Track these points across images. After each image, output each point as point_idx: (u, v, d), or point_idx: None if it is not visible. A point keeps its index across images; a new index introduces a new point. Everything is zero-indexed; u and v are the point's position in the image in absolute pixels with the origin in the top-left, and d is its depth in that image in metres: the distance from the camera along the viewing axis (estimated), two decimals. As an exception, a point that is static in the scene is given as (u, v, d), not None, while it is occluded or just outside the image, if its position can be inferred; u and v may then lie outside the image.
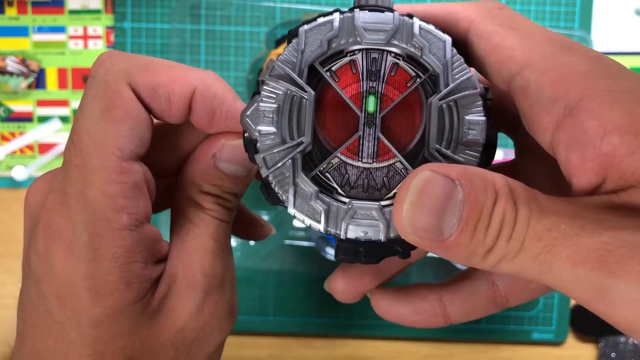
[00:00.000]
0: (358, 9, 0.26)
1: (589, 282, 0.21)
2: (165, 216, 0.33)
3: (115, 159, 0.26)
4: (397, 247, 0.27)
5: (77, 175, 0.27)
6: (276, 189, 0.26)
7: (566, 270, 0.21)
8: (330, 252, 0.56)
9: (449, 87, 0.26)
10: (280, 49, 0.54)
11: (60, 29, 0.57)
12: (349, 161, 0.26)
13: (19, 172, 0.57)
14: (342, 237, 0.26)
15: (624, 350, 0.55)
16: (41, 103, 0.58)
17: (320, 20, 0.26)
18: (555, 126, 0.23)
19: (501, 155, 0.54)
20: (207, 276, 0.29)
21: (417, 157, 0.26)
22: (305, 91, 0.26)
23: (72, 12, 0.57)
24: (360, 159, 0.26)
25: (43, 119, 0.58)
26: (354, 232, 0.26)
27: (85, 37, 0.57)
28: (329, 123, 0.26)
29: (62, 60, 0.58)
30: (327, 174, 0.26)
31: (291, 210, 0.26)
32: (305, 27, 0.26)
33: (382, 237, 0.26)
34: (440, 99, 0.26)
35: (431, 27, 0.26)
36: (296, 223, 0.56)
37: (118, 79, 0.27)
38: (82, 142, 0.27)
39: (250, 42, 0.56)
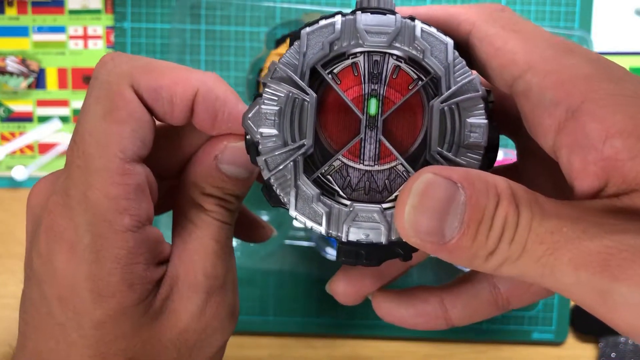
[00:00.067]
0: (360, 12, 0.26)
1: (591, 286, 0.21)
2: (166, 218, 0.33)
3: (117, 160, 0.26)
4: (398, 249, 0.27)
5: (80, 177, 0.27)
6: (278, 192, 0.26)
7: (568, 274, 0.21)
8: (330, 252, 0.56)
9: (450, 90, 0.26)
10: (280, 49, 0.54)
11: (60, 29, 0.57)
12: (351, 164, 0.26)
13: (19, 172, 0.57)
14: (344, 239, 0.26)
15: (624, 350, 0.55)
16: (41, 103, 0.58)
17: (322, 22, 0.26)
18: (557, 129, 0.23)
19: (501, 155, 0.54)
20: (209, 277, 0.29)
21: (418, 159, 0.26)
22: (307, 94, 0.26)
23: (72, 12, 0.57)
24: (361, 161, 0.26)
25: (43, 119, 0.58)
26: (355, 234, 0.26)
27: (85, 37, 0.57)
28: (330, 125, 0.26)
29: (62, 60, 0.58)
30: (328, 177, 0.26)
31: (292, 213, 0.26)
32: (307, 29, 0.26)
33: (383, 239, 0.26)
34: (442, 102, 0.26)
35: (433, 30, 0.26)
36: (296, 223, 0.56)
37: (120, 81, 0.27)
38: (85, 143, 0.27)
39: (250, 42, 0.56)
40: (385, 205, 0.26)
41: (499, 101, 0.29)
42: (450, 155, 0.26)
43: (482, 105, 0.26)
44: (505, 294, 0.31)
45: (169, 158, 0.31)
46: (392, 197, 0.26)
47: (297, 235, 0.56)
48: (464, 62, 0.26)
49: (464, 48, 0.27)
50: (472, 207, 0.22)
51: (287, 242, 0.56)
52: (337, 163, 0.26)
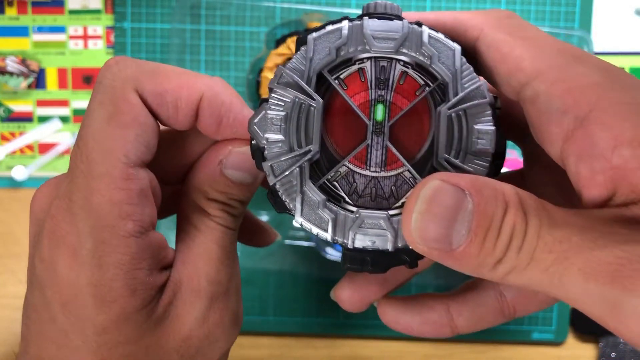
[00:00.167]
0: (367, 17, 0.26)
1: (601, 296, 0.20)
2: (168, 222, 0.33)
3: (121, 165, 0.26)
4: (404, 256, 0.26)
5: (83, 181, 0.26)
6: (283, 197, 0.26)
7: (577, 284, 0.21)
8: (330, 252, 0.56)
9: (458, 96, 0.25)
10: (280, 49, 0.54)
11: (60, 29, 0.57)
12: (357, 170, 0.26)
13: (19, 172, 0.57)
14: (350, 246, 0.26)
15: (624, 350, 0.55)
16: (41, 103, 0.58)
17: (329, 28, 0.26)
18: (565, 137, 0.23)
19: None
20: (212, 283, 0.29)
21: (425, 166, 0.26)
22: (314, 99, 0.26)
23: (72, 12, 0.57)
24: (368, 167, 0.26)
25: (43, 119, 0.58)
26: (361, 241, 0.26)
27: (85, 37, 0.57)
28: (337, 131, 0.26)
29: (62, 60, 0.57)
30: (334, 183, 0.26)
31: (298, 219, 0.26)
32: (314, 34, 0.26)
33: (389, 246, 0.25)
34: (450, 108, 0.25)
35: (440, 36, 0.26)
36: (296, 223, 0.56)
37: (125, 85, 0.27)
38: (88, 147, 0.27)
39: (250, 42, 0.56)
40: (391, 212, 0.26)
41: (505, 107, 0.29)
42: (457, 162, 0.25)
43: (490, 111, 0.25)
44: (511, 302, 0.31)
45: (173, 163, 0.31)
46: (399, 203, 0.26)
47: (297, 235, 0.56)
48: (472, 69, 0.26)
49: (471, 54, 0.27)
50: (480, 215, 0.22)
51: (287, 242, 0.56)
52: (343, 169, 0.26)
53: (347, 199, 0.26)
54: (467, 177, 0.22)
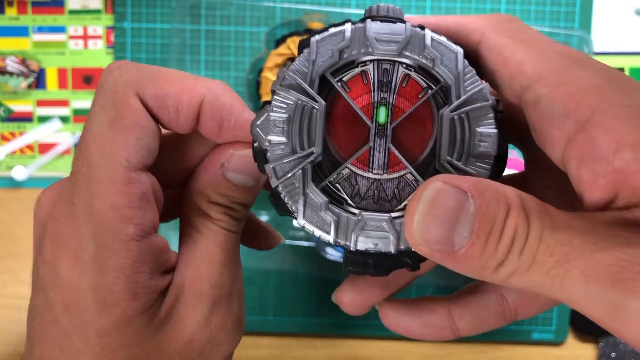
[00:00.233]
0: (369, 20, 0.26)
1: (602, 299, 0.20)
2: (170, 224, 0.33)
3: (122, 169, 0.26)
4: (406, 259, 0.26)
5: (84, 185, 0.26)
6: (286, 200, 0.26)
7: (579, 286, 0.21)
8: (330, 252, 0.56)
9: (460, 99, 0.26)
10: (280, 49, 0.54)
11: (60, 29, 0.57)
12: (360, 172, 0.26)
13: (19, 172, 0.57)
14: (352, 248, 0.26)
15: (624, 350, 0.55)
16: (41, 103, 0.58)
17: (332, 30, 0.26)
18: (567, 141, 0.23)
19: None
20: (215, 287, 0.29)
21: (428, 168, 0.26)
22: (316, 101, 0.26)
23: (72, 12, 0.57)
24: (370, 170, 0.26)
25: (43, 119, 0.58)
26: (363, 243, 0.26)
27: (85, 37, 0.57)
28: (339, 133, 0.26)
29: (62, 60, 0.57)
30: (337, 185, 0.26)
31: (301, 221, 0.26)
32: (317, 37, 0.26)
33: (392, 248, 0.25)
34: (452, 111, 0.25)
35: (443, 39, 0.26)
36: (296, 223, 0.56)
37: (126, 89, 0.27)
38: (90, 152, 0.27)
39: (250, 42, 0.56)
40: (394, 214, 0.26)
41: (507, 111, 0.29)
42: (459, 164, 0.25)
43: (492, 114, 0.25)
44: (512, 305, 0.31)
45: (175, 166, 0.31)
46: (401, 206, 0.26)
47: (297, 235, 0.56)
48: (474, 71, 0.26)
49: (473, 58, 0.27)
50: (482, 217, 0.22)
51: (287, 242, 0.56)
52: (345, 171, 0.26)
53: (349, 201, 0.26)
54: (470, 179, 0.22)
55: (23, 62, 0.57)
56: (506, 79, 0.26)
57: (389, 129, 0.26)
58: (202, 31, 0.56)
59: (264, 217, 0.56)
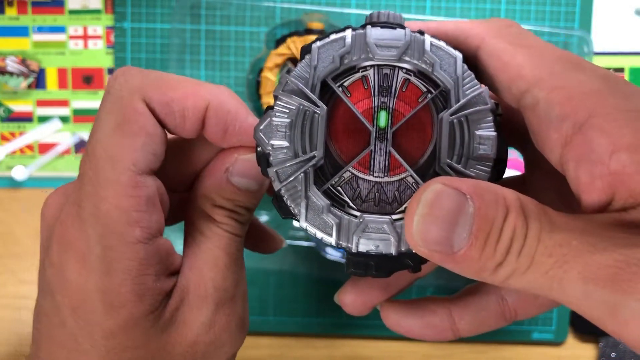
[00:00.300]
0: (370, 26, 0.27)
1: (600, 300, 0.21)
2: (177, 228, 0.34)
3: (129, 173, 0.27)
4: (407, 260, 0.27)
5: (91, 189, 0.27)
6: (288, 202, 0.26)
7: (577, 287, 0.21)
8: (330, 252, 0.56)
9: (460, 103, 0.26)
10: (280, 49, 0.54)
11: (60, 29, 0.57)
12: (361, 175, 0.26)
13: (19, 172, 0.57)
14: (354, 250, 0.26)
15: (624, 350, 0.55)
16: (41, 103, 0.58)
17: (333, 36, 0.26)
18: (564, 143, 0.24)
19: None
20: (219, 289, 0.29)
21: (428, 171, 0.26)
22: (318, 106, 0.26)
23: (72, 12, 0.57)
24: (371, 173, 0.26)
25: (43, 119, 0.58)
26: (365, 245, 0.26)
27: (85, 37, 0.57)
28: (340, 137, 0.26)
29: (62, 60, 0.57)
30: (338, 188, 0.27)
31: (303, 224, 0.26)
32: (318, 43, 0.26)
33: (393, 250, 0.26)
34: (452, 114, 0.26)
35: (442, 44, 0.26)
36: (297, 224, 0.56)
37: (133, 95, 0.27)
38: (97, 155, 0.27)
39: (250, 42, 0.56)
40: (395, 217, 0.26)
41: (506, 115, 0.29)
42: (459, 167, 0.26)
43: (491, 117, 0.26)
44: (512, 306, 0.32)
45: (181, 170, 0.31)
46: (402, 208, 0.26)
47: (297, 235, 0.56)
48: (473, 76, 0.26)
49: (472, 62, 0.27)
50: (481, 218, 0.22)
51: (288, 242, 0.56)
52: (347, 174, 0.26)
53: (351, 203, 0.26)
54: (469, 181, 0.23)
55: (23, 62, 0.57)
56: (505, 83, 0.26)
57: (389, 133, 0.26)
58: (202, 31, 0.56)
59: (264, 218, 0.56)
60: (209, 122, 0.29)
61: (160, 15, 0.57)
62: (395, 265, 0.27)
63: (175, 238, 0.32)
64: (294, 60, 0.54)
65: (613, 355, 0.56)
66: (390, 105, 0.26)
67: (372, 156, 0.26)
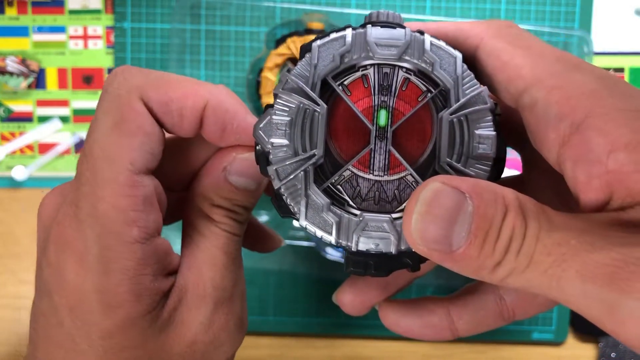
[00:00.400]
0: (370, 25, 0.27)
1: (599, 298, 0.21)
2: (173, 225, 0.34)
3: (126, 172, 0.27)
4: (407, 260, 0.27)
5: (89, 189, 0.27)
6: (288, 201, 0.26)
7: (575, 286, 0.21)
8: (330, 252, 0.56)
9: (459, 102, 0.26)
10: (280, 49, 0.54)
11: (60, 29, 0.57)
12: (361, 174, 0.26)
13: (19, 172, 0.57)
14: (353, 249, 0.26)
15: (624, 350, 0.55)
16: (41, 103, 0.58)
17: (333, 35, 0.27)
18: (562, 143, 0.24)
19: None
20: (217, 289, 0.29)
21: (427, 170, 0.26)
22: (318, 105, 0.26)
23: (72, 12, 0.57)
24: (371, 171, 0.26)
25: (43, 119, 0.58)
26: (365, 244, 0.26)
27: (85, 37, 0.57)
28: (340, 136, 0.26)
29: (62, 60, 0.58)
30: (338, 187, 0.27)
31: (303, 222, 0.26)
32: (318, 42, 0.27)
33: (393, 249, 0.26)
34: (451, 114, 0.26)
35: (442, 43, 0.26)
36: (296, 223, 0.56)
37: (130, 94, 0.27)
38: (94, 155, 0.27)
39: (250, 42, 0.56)
40: (394, 215, 0.26)
41: (505, 115, 0.29)
42: (459, 166, 0.26)
43: (491, 117, 0.26)
44: (510, 305, 0.32)
45: (178, 170, 0.31)
46: (402, 207, 0.26)
47: (297, 235, 0.56)
48: (473, 75, 0.26)
49: (472, 62, 0.27)
50: (480, 217, 0.22)
51: (287, 242, 0.56)
52: (347, 173, 0.26)
53: (350, 202, 0.26)
54: (468, 180, 0.23)
55: (23, 62, 0.57)
56: (504, 83, 0.26)
57: (389, 132, 0.26)
58: (202, 31, 0.56)
59: (264, 217, 0.56)
60: (207, 120, 0.28)
61: (160, 15, 0.57)
62: (395, 264, 0.27)
63: (173, 237, 0.32)
64: (294, 60, 0.54)
65: (613, 355, 0.56)
66: (390, 104, 0.26)
67: (372, 155, 0.26)
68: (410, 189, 0.26)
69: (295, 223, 0.56)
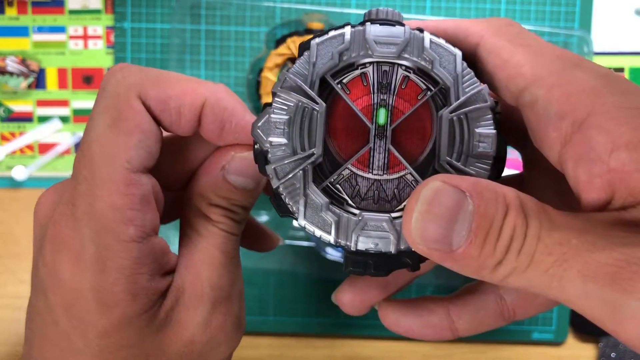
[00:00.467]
0: (369, 23, 0.26)
1: (600, 298, 0.21)
2: (172, 226, 0.33)
3: (123, 171, 0.26)
4: (406, 259, 0.27)
5: (86, 187, 0.27)
6: (287, 200, 0.26)
7: (577, 286, 0.21)
8: (330, 252, 0.56)
9: (459, 100, 0.26)
10: (280, 49, 0.54)
11: (60, 29, 0.57)
12: (360, 173, 0.26)
13: (19, 172, 0.57)
14: (353, 248, 0.26)
15: (624, 350, 0.55)
16: (41, 103, 0.58)
17: (332, 33, 0.26)
18: (563, 141, 0.23)
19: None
20: (215, 288, 0.29)
21: (427, 169, 0.26)
22: (317, 103, 0.26)
23: (72, 12, 0.57)
24: (370, 170, 0.26)
25: (43, 119, 0.58)
26: (364, 243, 0.26)
27: (85, 37, 0.57)
28: (339, 135, 0.26)
29: (62, 60, 0.57)
30: (337, 186, 0.26)
31: (302, 222, 0.26)
32: (317, 40, 0.26)
33: (392, 249, 0.26)
34: (451, 112, 0.26)
35: (441, 41, 0.26)
36: (295, 223, 0.56)
37: (129, 92, 0.27)
38: (91, 153, 0.27)
39: (250, 42, 0.56)
40: (394, 215, 0.26)
41: (505, 113, 0.29)
42: (459, 164, 0.26)
43: (491, 115, 0.26)
44: (511, 305, 0.32)
45: (176, 169, 0.31)
46: (401, 206, 0.26)
47: (297, 235, 0.56)
48: (473, 73, 0.26)
49: (472, 60, 0.27)
50: (480, 216, 0.22)
51: (287, 242, 0.56)
52: (346, 172, 0.26)
53: (349, 201, 0.26)
54: (468, 179, 0.23)
55: (23, 62, 0.57)
56: (504, 81, 0.26)
57: (388, 130, 0.26)
58: (202, 31, 0.56)
59: (264, 217, 0.56)
60: (206, 119, 0.28)
61: (160, 15, 0.57)
62: (394, 263, 0.27)
63: (172, 237, 0.32)
64: (293, 60, 0.54)
65: (613, 355, 0.56)
66: (390, 103, 0.26)
67: (371, 154, 0.26)
68: (409, 188, 0.26)
69: (294, 222, 0.56)
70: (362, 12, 0.55)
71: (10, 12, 0.57)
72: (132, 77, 0.28)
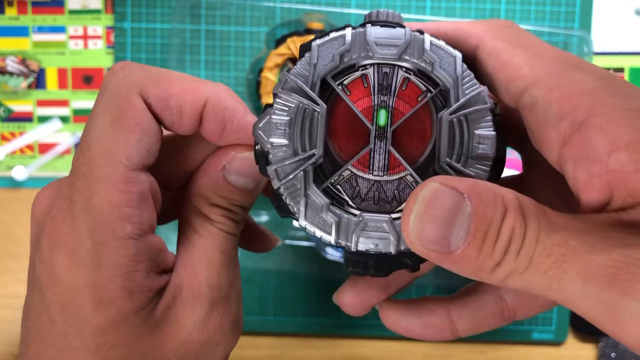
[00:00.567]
0: (369, 24, 0.27)
1: (599, 300, 0.21)
2: (172, 226, 0.33)
3: (122, 168, 0.26)
4: (406, 260, 0.27)
5: (84, 184, 0.27)
6: (287, 201, 0.26)
7: (576, 287, 0.21)
8: (330, 252, 0.56)
9: (459, 102, 0.26)
10: (280, 49, 0.54)
11: (60, 29, 0.57)
12: (360, 174, 0.26)
13: (19, 172, 0.57)
14: (353, 249, 0.26)
15: (624, 350, 0.55)
16: (41, 103, 0.58)
17: (333, 34, 0.26)
18: (562, 142, 0.24)
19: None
20: (213, 288, 0.29)
21: (427, 170, 0.26)
22: (318, 104, 0.26)
23: (72, 12, 0.57)
24: (371, 171, 0.26)
25: (43, 119, 0.58)
26: (364, 244, 0.26)
27: (85, 37, 0.57)
28: (340, 136, 0.26)
29: (62, 60, 0.57)
30: (338, 186, 0.26)
31: (302, 222, 0.26)
32: (318, 41, 0.26)
33: (392, 249, 0.26)
34: (451, 114, 0.26)
35: (442, 43, 0.26)
36: (296, 223, 0.56)
37: (130, 90, 0.27)
38: (91, 150, 0.27)
39: (250, 42, 0.56)
40: (394, 216, 0.26)
41: (505, 115, 0.29)
42: (458, 166, 0.26)
43: (490, 117, 0.26)
44: (511, 305, 0.32)
45: (176, 168, 0.31)
46: (401, 207, 0.26)
47: (297, 235, 0.56)
48: (472, 75, 0.26)
49: (471, 62, 0.27)
50: (478, 218, 0.22)
51: (287, 242, 0.56)
52: (346, 173, 0.26)
53: (350, 202, 0.26)
54: (467, 180, 0.23)
55: (23, 62, 0.57)
56: (504, 83, 0.26)
57: (389, 132, 0.26)
58: (202, 31, 0.56)
59: (264, 218, 0.56)
60: (207, 118, 0.28)
61: (160, 15, 0.57)
62: (394, 264, 0.27)
63: (170, 237, 0.32)
64: (294, 60, 0.54)
65: (613, 355, 0.56)
66: (390, 104, 0.26)
67: (372, 155, 0.26)
68: (409, 189, 0.26)
69: (294, 223, 0.56)
70: (362, 12, 0.55)
71: (10, 12, 0.57)
72: (133, 75, 0.28)
